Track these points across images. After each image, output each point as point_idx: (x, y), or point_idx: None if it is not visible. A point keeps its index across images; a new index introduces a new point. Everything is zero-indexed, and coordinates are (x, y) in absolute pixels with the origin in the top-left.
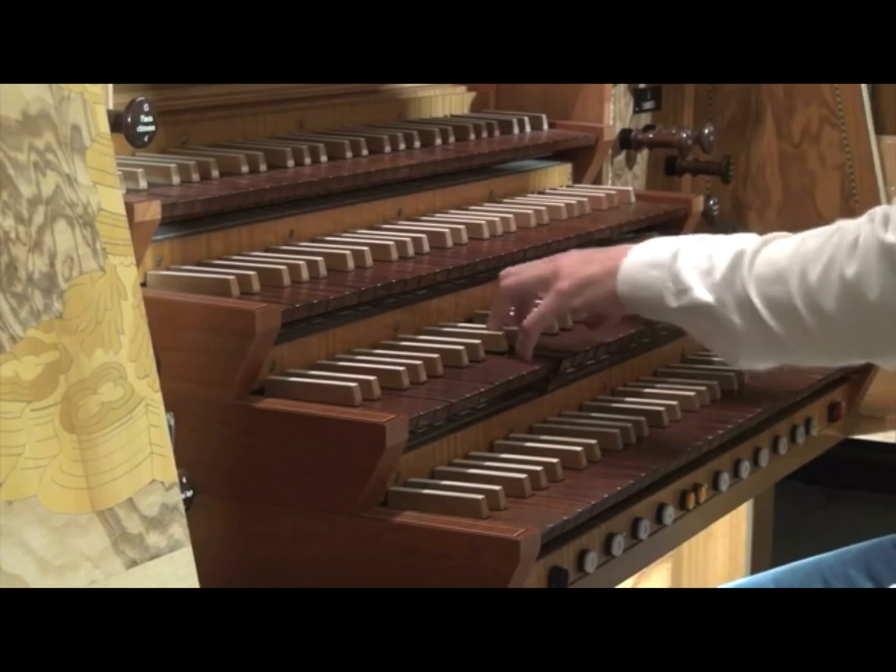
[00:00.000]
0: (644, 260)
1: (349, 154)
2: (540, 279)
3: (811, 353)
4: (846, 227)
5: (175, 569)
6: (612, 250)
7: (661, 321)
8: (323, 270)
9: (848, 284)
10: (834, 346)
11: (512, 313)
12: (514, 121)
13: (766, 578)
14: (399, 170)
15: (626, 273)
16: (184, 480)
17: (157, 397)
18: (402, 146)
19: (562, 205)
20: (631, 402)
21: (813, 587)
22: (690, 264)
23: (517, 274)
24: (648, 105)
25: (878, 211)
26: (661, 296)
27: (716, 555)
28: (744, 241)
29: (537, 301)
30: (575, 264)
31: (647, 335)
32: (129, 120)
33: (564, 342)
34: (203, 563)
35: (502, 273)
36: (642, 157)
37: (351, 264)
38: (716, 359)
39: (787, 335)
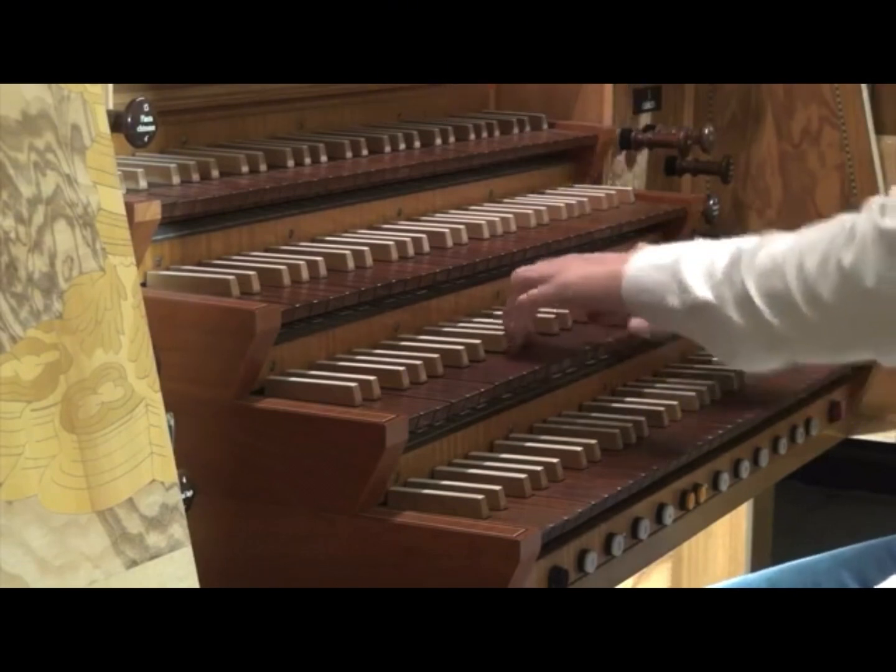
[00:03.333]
0: (649, 262)
1: (349, 154)
2: (547, 273)
3: (810, 347)
4: (844, 219)
5: (175, 569)
6: (619, 255)
7: (663, 329)
8: (323, 270)
9: (845, 272)
10: (832, 338)
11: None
12: (514, 121)
13: (759, 578)
14: (399, 170)
15: (630, 275)
16: (184, 480)
17: (157, 397)
18: (402, 146)
19: (562, 205)
20: (631, 402)
21: (806, 588)
22: (692, 265)
23: (527, 269)
24: (648, 105)
25: (875, 200)
26: (664, 297)
27: (716, 555)
28: (744, 241)
29: None
30: (582, 263)
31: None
32: (129, 120)
33: (564, 342)
34: (203, 563)
35: (514, 277)
36: (642, 157)
37: (351, 264)
38: (716, 359)
39: (786, 329)
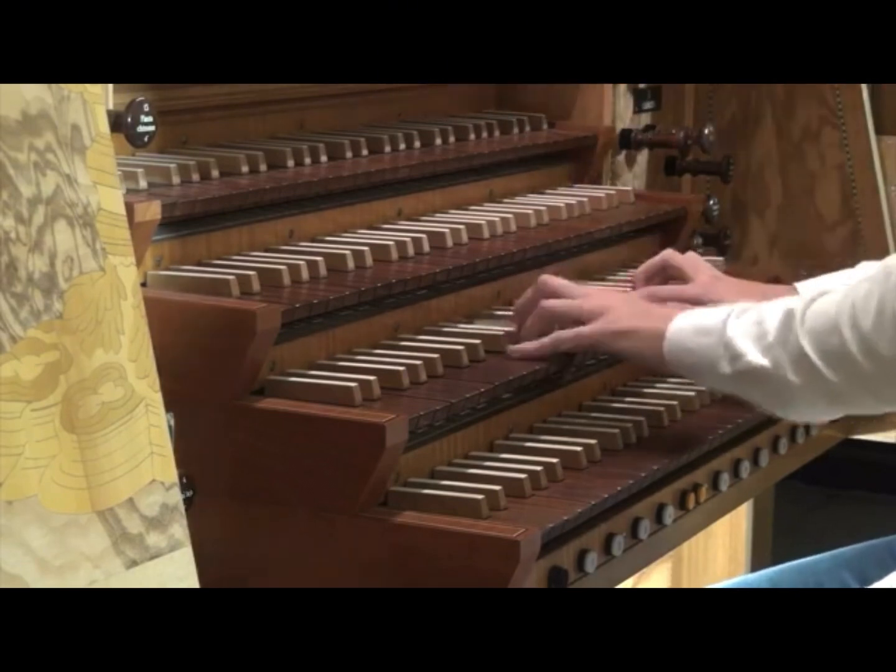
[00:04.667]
0: (693, 326)
1: (349, 154)
2: (589, 312)
3: (869, 399)
4: (891, 269)
5: (175, 569)
6: (662, 311)
7: (704, 385)
8: (323, 270)
9: None
10: (888, 389)
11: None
12: (514, 121)
13: (761, 578)
14: (399, 170)
15: (674, 337)
16: (184, 480)
17: (157, 397)
18: (402, 146)
19: (562, 205)
20: (631, 402)
21: (807, 588)
22: (742, 331)
23: (561, 293)
24: (648, 105)
25: None
26: (714, 362)
27: (716, 555)
28: (792, 302)
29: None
30: (629, 313)
31: None
32: (129, 120)
33: None
34: (203, 563)
35: (543, 282)
36: (642, 157)
37: (351, 264)
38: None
39: (845, 384)
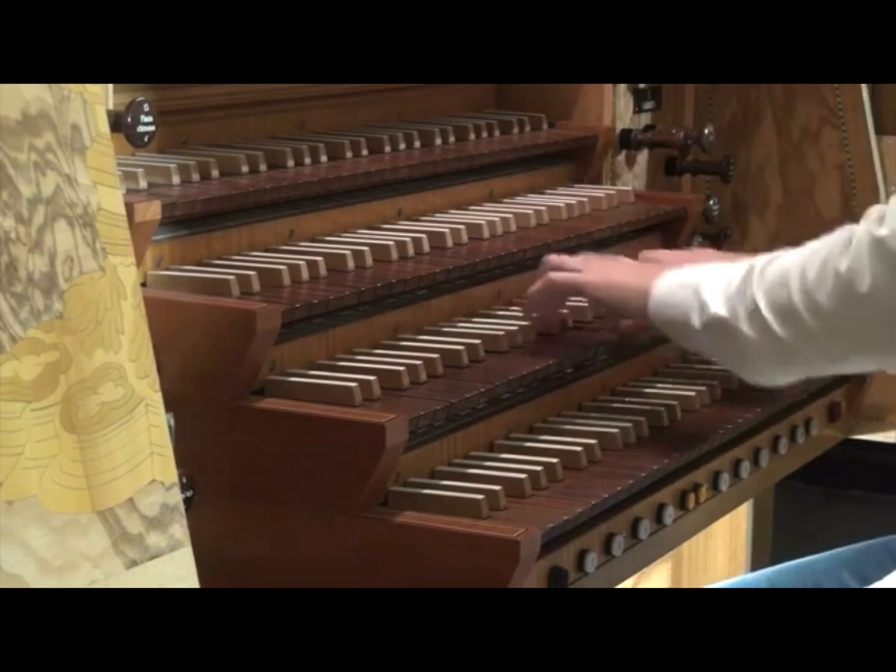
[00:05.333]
0: (676, 281)
1: (349, 154)
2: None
3: (818, 357)
4: (847, 228)
5: (175, 569)
6: (655, 268)
7: (686, 348)
8: (323, 270)
9: (841, 279)
10: (835, 346)
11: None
12: (514, 121)
13: (760, 578)
14: (399, 170)
15: (658, 292)
16: (184, 480)
17: (157, 397)
18: (402, 146)
19: (562, 205)
20: (631, 402)
21: (806, 588)
22: (712, 282)
23: (562, 258)
24: (648, 105)
25: (874, 209)
26: (687, 315)
27: (716, 555)
28: (760, 258)
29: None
30: (622, 268)
31: (647, 335)
32: (129, 120)
33: (565, 342)
34: (203, 563)
35: (545, 261)
36: (642, 157)
37: (351, 264)
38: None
39: (793, 340)
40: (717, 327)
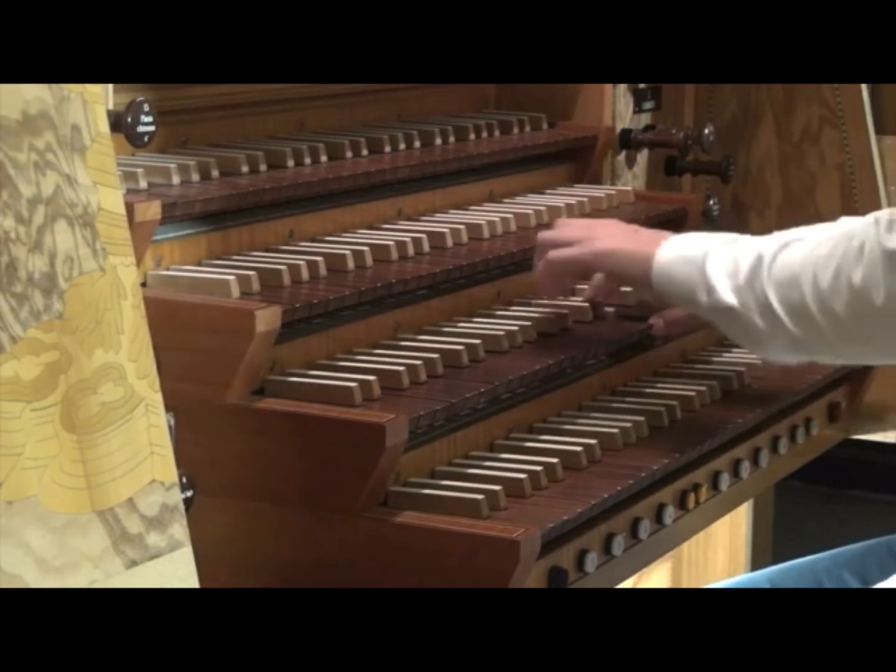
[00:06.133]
0: (678, 254)
1: (349, 154)
2: (576, 238)
3: (828, 352)
4: (853, 232)
5: (175, 569)
6: (653, 235)
7: (689, 311)
8: (323, 270)
9: (855, 290)
10: (849, 348)
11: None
12: (514, 121)
13: (761, 578)
14: (399, 170)
15: (660, 265)
16: (184, 480)
17: (157, 397)
18: (402, 146)
19: (562, 205)
20: (631, 402)
21: (807, 587)
22: (718, 265)
23: (554, 233)
24: (648, 105)
25: (882, 215)
26: (694, 292)
27: (716, 555)
28: (764, 245)
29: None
30: (617, 233)
31: (647, 335)
32: (129, 120)
33: (565, 342)
34: (203, 563)
35: (542, 240)
36: (642, 157)
37: (351, 264)
38: (716, 359)
39: (806, 336)
40: (727, 313)
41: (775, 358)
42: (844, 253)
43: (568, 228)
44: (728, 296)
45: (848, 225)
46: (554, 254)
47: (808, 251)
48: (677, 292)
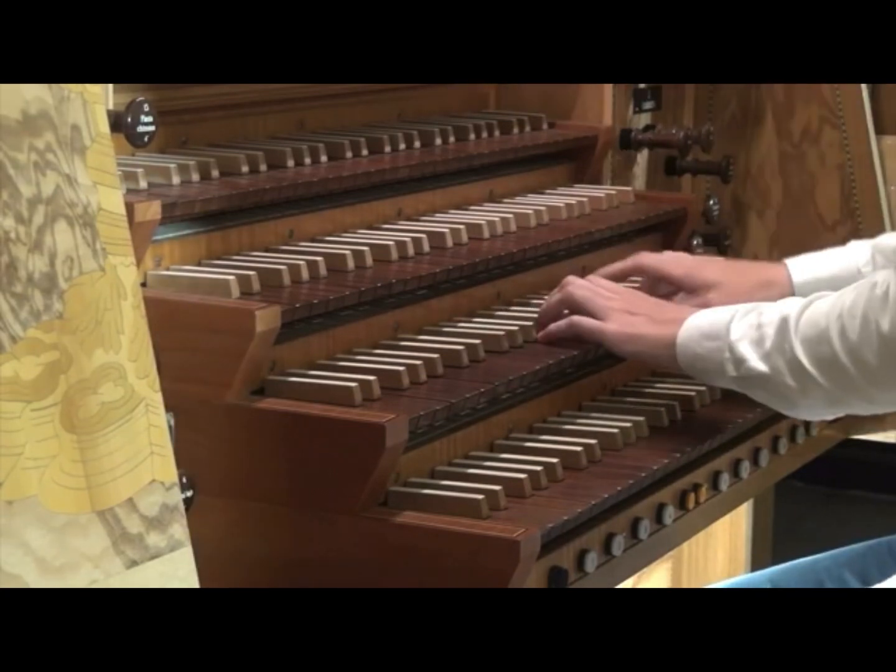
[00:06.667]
0: (701, 331)
1: (349, 154)
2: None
3: (862, 403)
4: (875, 280)
5: (175, 569)
6: (671, 310)
7: (716, 385)
8: (323, 270)
9: (885, 337)
10: (883, 394)
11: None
12: (514, 121)
13: (762, 578)
14: (399, 170)
15: (684, 343)
16: (184, 480)
17: (157, 397)
18: (402, 146)
19: (562, 205)
20: (631, 402)
21: (808, 587)
22: (742, 335)
23: (585, 308)
24: (648, 105)
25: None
26: (721, 366)
27: (716, 555)
28: (787, 307)
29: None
30: (642, 319)
31: None
32: (129, 120)
33: (564, 342)
34: (203, 563)
35: (570, 295)
36: (642, 157)
37: (351, 264)
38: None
39: (839, 390)
40: (758, 379)
41: (807, 416)
42: (868, 301)
43: (600, 297)
44: (758, 364)
45: (862, 251)
46: (579, 320)
47: (831, 304)
48: (703, 368)
